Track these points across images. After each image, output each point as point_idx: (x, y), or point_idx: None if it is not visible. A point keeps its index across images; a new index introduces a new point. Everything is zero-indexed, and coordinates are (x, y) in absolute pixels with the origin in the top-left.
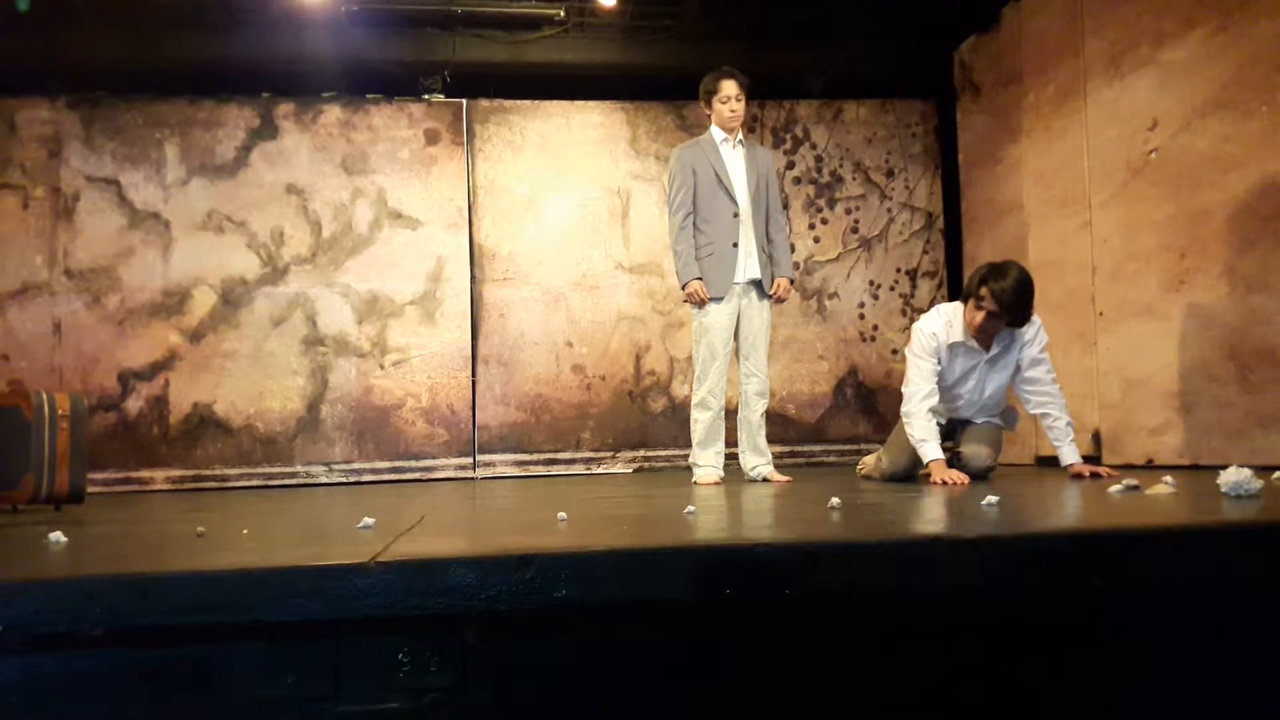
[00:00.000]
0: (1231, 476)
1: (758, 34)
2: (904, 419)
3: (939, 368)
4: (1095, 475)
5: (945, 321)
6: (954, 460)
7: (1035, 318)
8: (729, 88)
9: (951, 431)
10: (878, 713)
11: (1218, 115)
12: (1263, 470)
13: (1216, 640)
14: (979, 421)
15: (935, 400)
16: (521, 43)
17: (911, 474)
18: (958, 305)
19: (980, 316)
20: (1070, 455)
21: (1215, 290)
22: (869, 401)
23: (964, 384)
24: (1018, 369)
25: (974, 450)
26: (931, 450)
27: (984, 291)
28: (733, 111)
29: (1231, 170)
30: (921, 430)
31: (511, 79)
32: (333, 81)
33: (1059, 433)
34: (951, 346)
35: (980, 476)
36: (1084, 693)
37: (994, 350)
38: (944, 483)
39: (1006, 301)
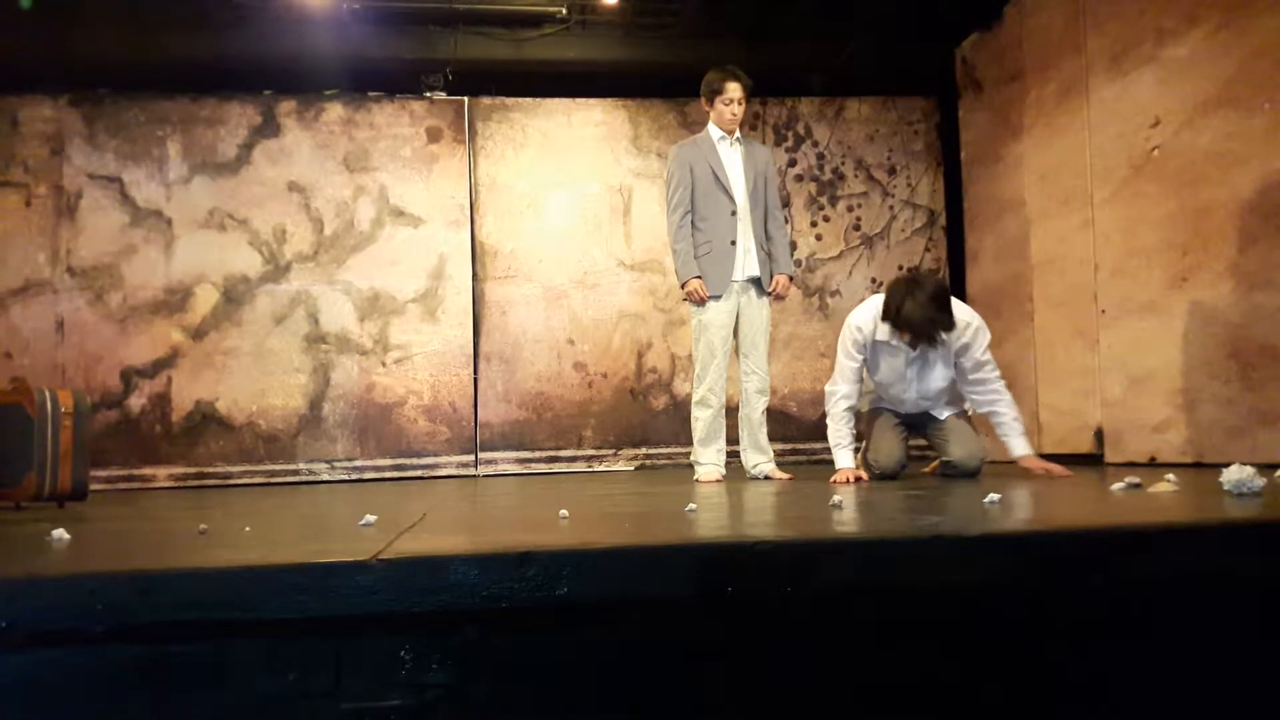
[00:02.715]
0: (1234, 474)
1: (759, 31)
2: (828, 419)
3: (861, 364)
4: (1046, 472)
5: (874, 315)
6: (945, 468)
7: (972, 320)
8: (733, 90)
9: (919, 424)
10: (878, 711)
11: (1220, 112)
12: (1265, 468)
13: (1219, 639)
14: (944, 417)
15: (855, 400)
16: (523, 40)
17: (900, 469)
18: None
19: (905, 336)
20: (1021, 447)
21: (1217, 287)
22: None
23: (898, 380)
24: (959, 370)
25: (965, 454)
26: (842, 458)
27: (902, 316)
28: (734, 114)
29: (1234, 167)
30: (835, 435)
31: (513, 76)
32: (335, 79)
33: (1007, 427)
34: (877, 343)
35: (973, 475)
36: (1085, 690)
37: (919, 350)
38: (845, 480)
39: (918, 327)
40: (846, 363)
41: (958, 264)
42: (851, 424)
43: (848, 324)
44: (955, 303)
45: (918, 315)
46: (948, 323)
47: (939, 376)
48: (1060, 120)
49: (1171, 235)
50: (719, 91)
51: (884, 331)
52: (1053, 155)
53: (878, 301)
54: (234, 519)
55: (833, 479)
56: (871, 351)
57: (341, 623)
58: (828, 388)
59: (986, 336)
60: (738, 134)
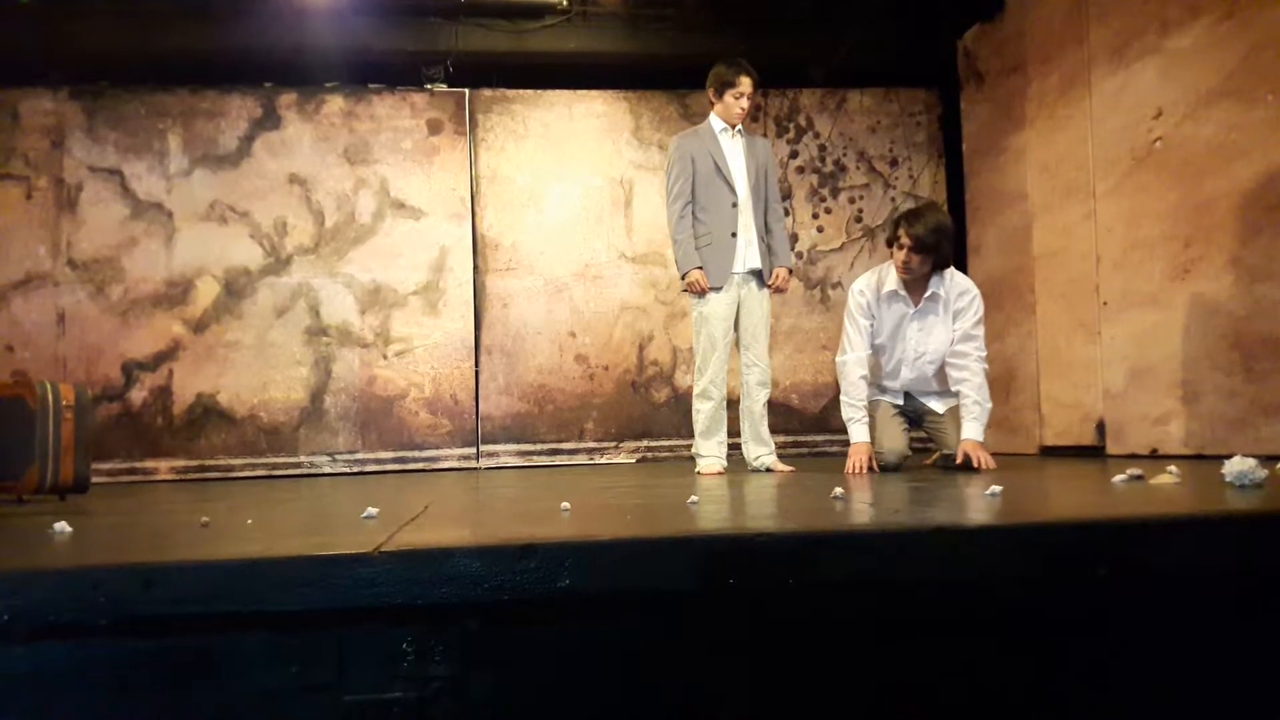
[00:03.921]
0: (1236, 466)
1: (760, 22)
2: (841, 394)
3: (872, 324)
4: (968, 463)
5: (876, 276)
6: (946, 460)
7: (971, 288)
8: (746, 84)
9: (918, 417)
10: (880, 703)
11: (1223, 104)
12: (1267, 460)
13: (1222, 630)
14: (943, 411)
15: (865, 369)
16: (524, 32)
17: (903, 461)
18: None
19: (900, 255)
20: (969, 431)
21: (1219, 279)
22: None
23: (895, 340)
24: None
25: None
26: (857, 432)
27: (900, 231)
28: (742, 109)
29: (1236, 159)
30: (849, 409)
31: (514, 68)
32: (335, 71)
33: (966, 410)
34: (882, 298)
35: (974, 466)
36: (1088, 682)
37: (921, 303)
38: (853, 470)
39: (922, 238)
40: (852, 328)
41: (959, 256)
42: (865, 395)
43: (851, 292)
44: (959, 273)
45: (919, 227)
46: (948, 233)
47: (938, 340)
48: (1062, 112)
49: (1174, 227)
50: (731, 85)
51: (890, 283)
52: (1055, 147)
53: (880, 266)
54: (236, 512)
55: (847, 467)
56: (877, 310)
57: (344, 615)
58: (838, 358)
59: (981, 308)
60: (738, 126)
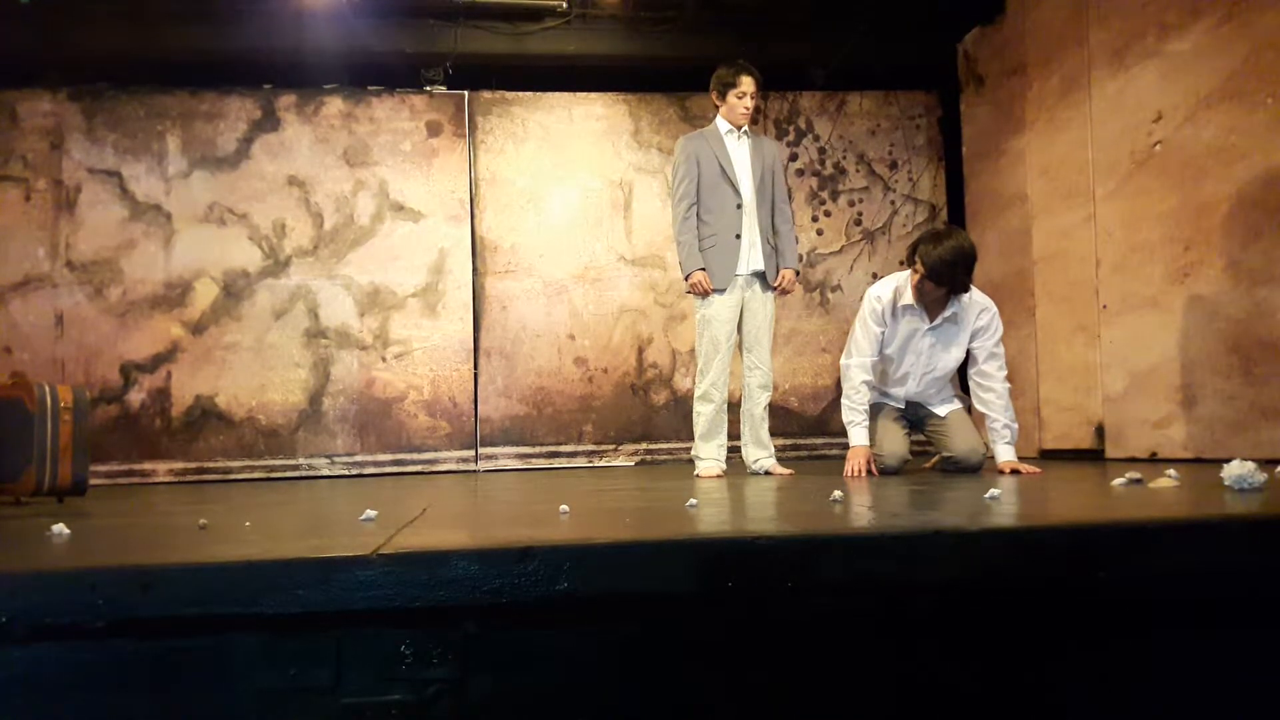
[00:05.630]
0: (1235, 470)
1: (760, 25)
2: (843, 397)
3: (883, 332)
4: (1015, 471)
5: (894, 287)
6: (946, 463)
7: (990, 305)
8: (748, 84)
9: (919, 420)
10: (878, 706)
11: (1223, 107)
12: (1267, 463)
13: (1220, 634)
14: (944, 414)
15: (870, 375)
16: (523, 34)
17: (903, 464)
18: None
19: (916, 279)
20: (1003, 454)
21: (1219, 283)
22: None
23: (906, 352)
24: (970, 357)
25: (966, 449)
26: (857, 435)
27: (918, 255)
28: (746, 109)
29: (1236, 162)
30: (850, 412)
31: (513, 70)
32: (334, 73)
33: (996, 434)
34: (898, 309)
35: (975, 469)
36: (1086, 685)
37: (938, 321)
38: (852, 473)
39: (934, 267)
40: (863, 334)
41: None
42: (867, 400)
43: (867, 297)
44: (976, 290)
45: (934, 255)
46: (967, 263)
47: (950, 358)
48: (1062, 114)
49: (1174, 230)
50: (732, 85)
51: (906, 297)
52: (1055, 150)
53: (899, 275)
54: (234, 514)
55: (846, 470)
56: (891, 321)
57: (342, 617)
58: (843, 361)
59: (1001, 326)
60: (745, 128)
